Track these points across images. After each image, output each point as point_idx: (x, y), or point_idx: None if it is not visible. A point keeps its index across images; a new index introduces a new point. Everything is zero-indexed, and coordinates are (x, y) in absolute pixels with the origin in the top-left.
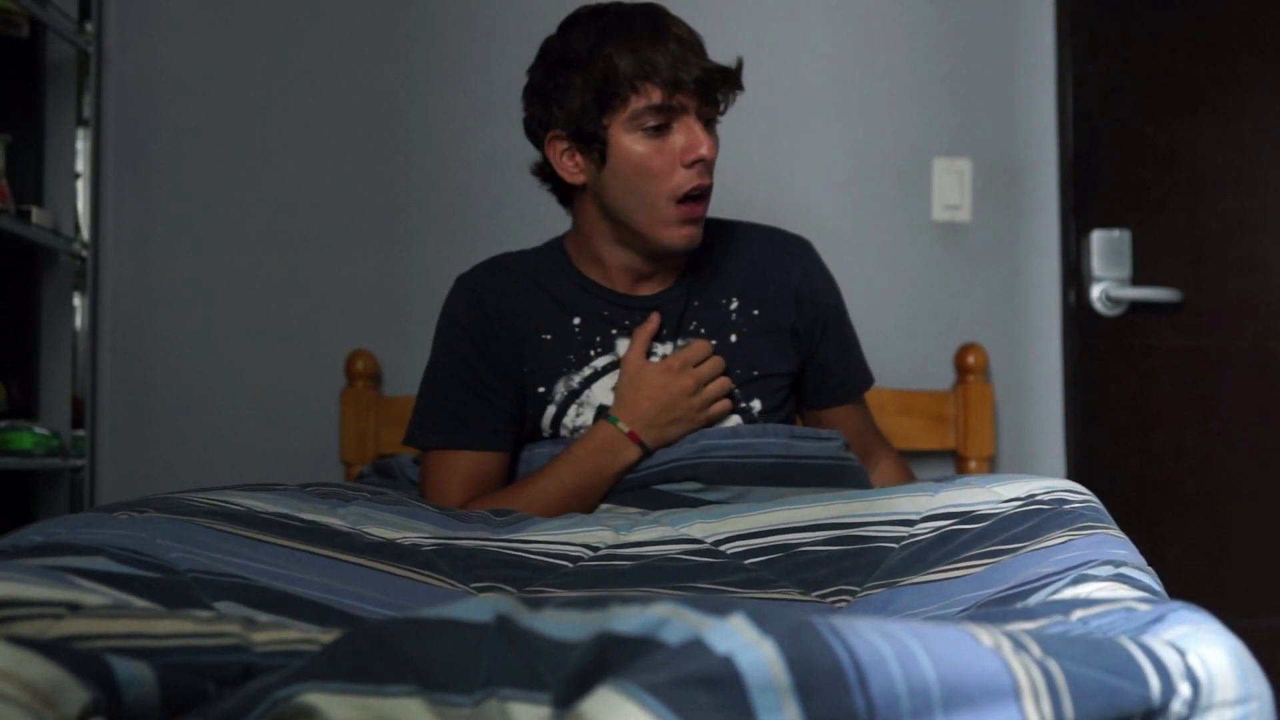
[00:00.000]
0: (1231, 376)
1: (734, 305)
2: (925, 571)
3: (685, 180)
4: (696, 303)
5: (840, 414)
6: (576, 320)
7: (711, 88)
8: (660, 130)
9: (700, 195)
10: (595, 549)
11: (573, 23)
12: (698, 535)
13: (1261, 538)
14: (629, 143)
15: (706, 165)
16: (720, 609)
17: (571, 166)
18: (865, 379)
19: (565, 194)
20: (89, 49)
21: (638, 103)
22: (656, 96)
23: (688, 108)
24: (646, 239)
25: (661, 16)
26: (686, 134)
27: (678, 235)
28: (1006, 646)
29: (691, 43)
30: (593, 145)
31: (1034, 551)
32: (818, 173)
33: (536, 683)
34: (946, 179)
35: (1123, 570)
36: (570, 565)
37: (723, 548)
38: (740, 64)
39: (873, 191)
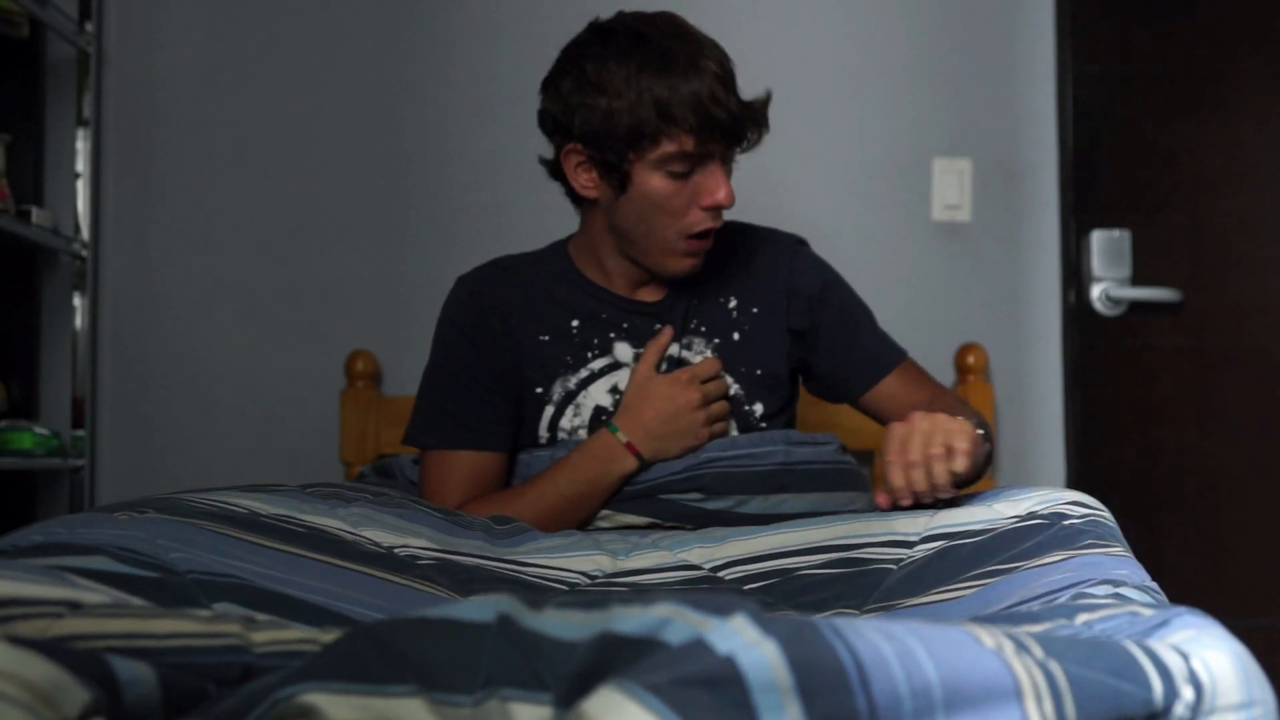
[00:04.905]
0: (1231, 376)
1: (733, 304)
2: (923, 594)
3: (698, 221)
4: (697, 302)
5: (883, 392)
6: (575, 322)
7: (740, 133)
8: (684, 173)
9: (710, 233)
10: (592, 576)
11: (608, 38)
12: (695, 561)
13: (1261, 538)
14: (651, 181)
15: (721, 209)
16: (722, 609)
17: (586, 182)
18: (892, 354)
19: (575, 195)
20: (89, 49)
21: (668, 147)
22: (689, 144)
23: (714, 154)
24: (649, 263)
25: (699, 49)
26: (709, 180)
27: (681, 264)
28: (1008, 648)
29: (724, 77)
30: (613, 173)
31: (1030, 570)
32: (818, 173)
33: (538, 683)
34: (946, 179)
35: (1121, 590)
36: (566, 590)
37: (721, 573)
38: (769, 97)
39: (873, 191)
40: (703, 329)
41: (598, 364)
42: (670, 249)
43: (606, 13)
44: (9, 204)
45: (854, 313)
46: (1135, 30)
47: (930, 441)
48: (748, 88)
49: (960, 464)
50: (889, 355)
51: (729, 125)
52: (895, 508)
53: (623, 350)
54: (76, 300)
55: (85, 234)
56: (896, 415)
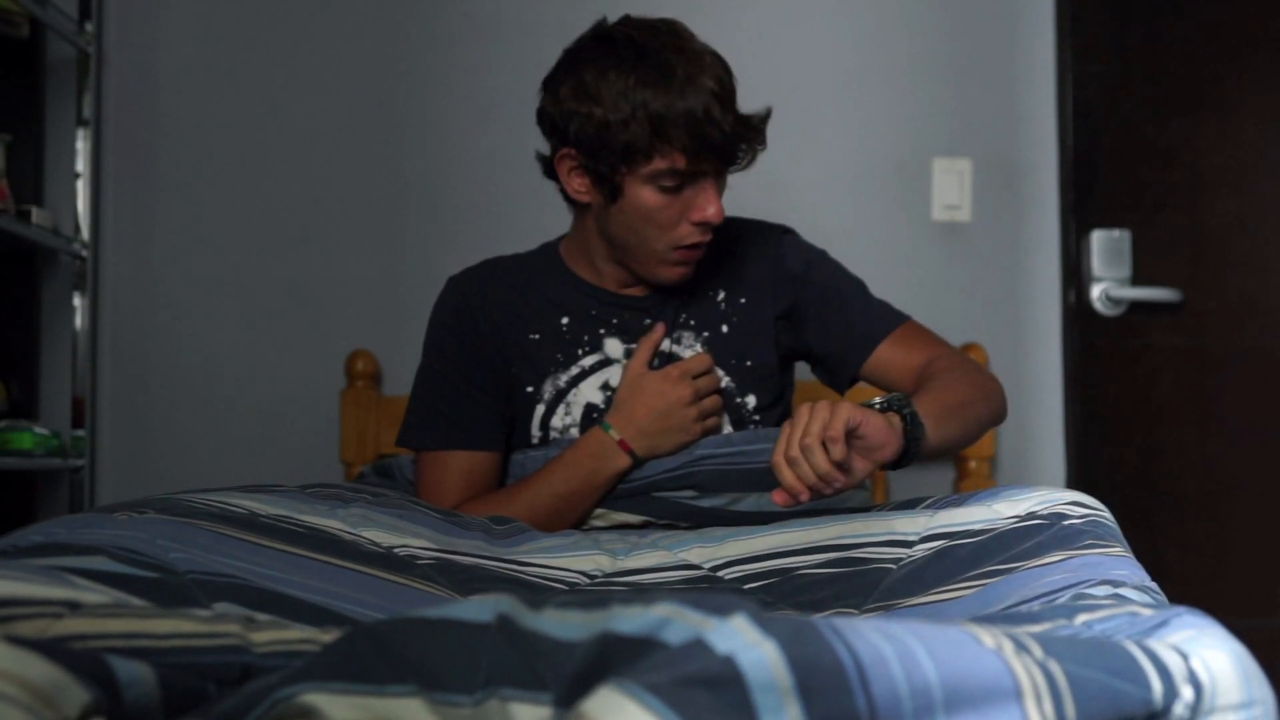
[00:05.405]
0: (1231, 376)
1: (721, 296)
2: (923, 593)
3: (688, 234)
4: (686, 296)
5: (881, 361)
6: (565, 320)
7: (733, 153)
8: (676, 188)
9: (700, 245)
10: (592, 576)
11: (610, 46)
12: (695, 560)
13: (1261, 538)
14: (642, 194)
15: (710, 225)
16: (721, 609)
17: (579, 187)
18: (886, 320)
19: (568, 196)
20: (89, 49)
21: (660, 164)
22: (681, 162)
23: (707, 171)
24: (640, 270)
25: (699, 64)
26: (700, 195)
27: (670, 273)
28: (1008, 648)
29: (722, 94)
30: (605, 183)
31: (1030, 570)
32: (818, 173)
33: (537, 683)
34: (946, 179)
35: (1120, 591)
36: (566, 590)
37: (720, 573)
38: (768, 113)
39: (873, 191)
40: (692, 323)
41: (588, 361)
42: (661, 259)
43: (606, 13)
44: (9, 204)
45: (840, 287)
46: (1135, 30)
47: (806, 432)
48: (747, 89)
49: (836, 452)
50: (883, 322)
51: (722, 145)
52: (797, 503)
53: (613, 346)
54: (76, 300)
55: (85, 234)
56: (900, 384)
